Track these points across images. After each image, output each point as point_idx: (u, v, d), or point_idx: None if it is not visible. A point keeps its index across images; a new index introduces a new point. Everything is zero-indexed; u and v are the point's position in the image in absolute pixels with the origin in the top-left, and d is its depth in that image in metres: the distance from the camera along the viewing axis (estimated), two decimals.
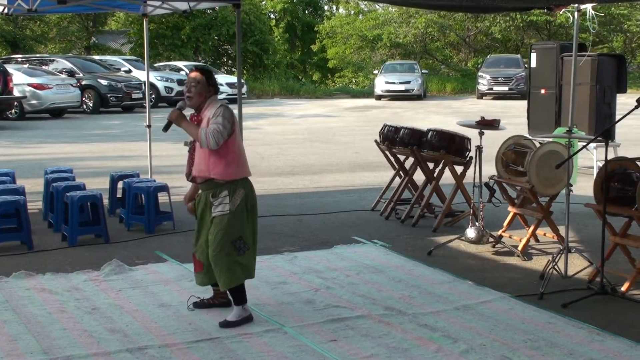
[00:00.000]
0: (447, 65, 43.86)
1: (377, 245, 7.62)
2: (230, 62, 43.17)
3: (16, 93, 21.99)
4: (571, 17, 7.21)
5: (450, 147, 8.35)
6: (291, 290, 6.02)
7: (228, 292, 5.33)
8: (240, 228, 5.18)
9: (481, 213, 7.37)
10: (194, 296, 5.67)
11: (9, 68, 22.30)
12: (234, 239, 5.15)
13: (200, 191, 5.37)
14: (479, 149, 7.24)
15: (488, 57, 35.93)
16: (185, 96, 5.27)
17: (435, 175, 8.73)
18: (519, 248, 7.23)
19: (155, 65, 31.64)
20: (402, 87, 31.78)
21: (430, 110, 26.56)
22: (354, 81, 44.90)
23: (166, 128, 5.42)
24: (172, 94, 28.84)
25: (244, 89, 31.34)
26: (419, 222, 8.49)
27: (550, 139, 7.56)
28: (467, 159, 8.42)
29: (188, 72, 30.44)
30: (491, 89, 31.69)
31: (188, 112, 5.30)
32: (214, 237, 5.16)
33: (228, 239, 5.14)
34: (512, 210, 7.67)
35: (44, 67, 26.07)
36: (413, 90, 31.83)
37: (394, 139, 8.95)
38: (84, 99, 25.13)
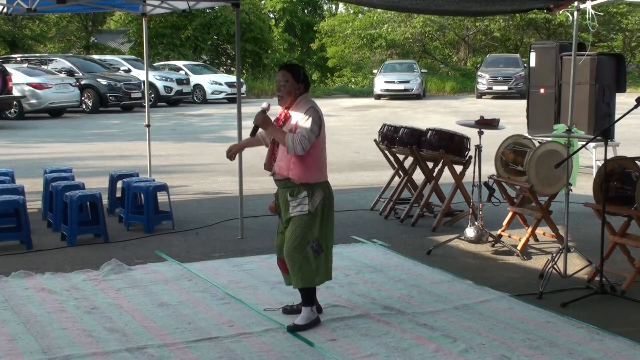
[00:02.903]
0: (446, 65, 43.86)
1: (376, 244, 7.62)
2: (229, 61, 43.19)
3: (15, 92, 21.97)
4: (570, 17, 7.21)
5: (449, 146, 8.35)
6: (290, 290, 5.95)
7: (299, 291, 5.26)
8: (317, 230, 5.12)
9: (480, 212, 7.37)
10: (288, 304, 5.58)
11: (8, 67, 22.30)
12: (310, 240, 5.10)
13: (277, 189, 5.30)
14: (478, 148, 7.24)
15: (487, 56, 35.94)
16: (277, 96, 5.22)
17: (434, 174, 8.74)
18: (519, 247, 7.23)
19: (154, 64, 31.63)
20: (401, 87, 31.79)
21: (429, 109, 26.56)
22: (353, 80, 44.89)
23: (253, 133, 5.30)
24: (171, 94, 28.86)
25: (244, 88, 31.38)
26: (418, 221, 8.49)
27: (549, 139, 7.56)
28: (467, 158, 8.42)
29: (187, 71, 30.66)
30: (490, 88, 31.70)
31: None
32: (291, 235, 5.10)
33: (305, 239, 5.08)
34: (511, 209, 7.67)
35: (43, 66, 26.07)
36: (412, 89, 31.84)
37: (393, 139, 8.95)
38: (83, 98, 25.13)
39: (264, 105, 5.24)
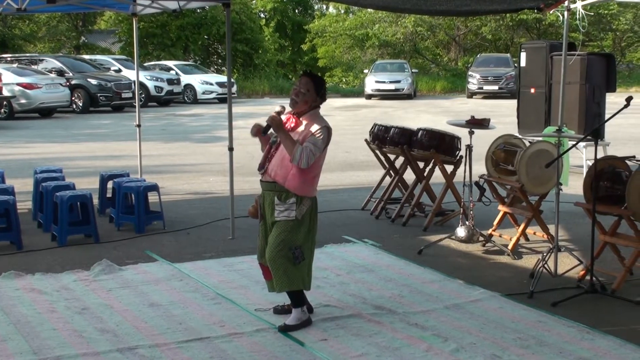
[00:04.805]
0: (437, 65, 43.92)
1: (367, 244, 7.62)
2: (220, 61, 43.11)
3: (5, 92, 21.91)
4: (561, 17, 7.23)
5: (440, 146, 8.36)
6: None
7: (286, 293, 5.21)
8: (301, 238, 5.08)
9: (471, 212, 7.38)
10: (279, 304, 5.54)
11: None
12: (293, 247, 5.04)
13: (262, 191, 5.24)
14: (469, 148, 7.25)
15: (478, 56, 36.00)
16: (291, 99, 5.16)
17: (425, 174, 8.74)
18: (509, 247, 7.24)
19: (145, 64, 31.55)
20: (392, 87, 31.81)
21: (420, 109, 26.58)
22: (344, 80, 44.89)
23: (265, 131, 5.22)
24: (162, 94, 28.80)
25: (234, 89, 31.33)
26: (409, 221, 8.50)
27: (539, 138, 7.58)
28: (457, 158, 8.43)
29: (178, 71, 30.58)
30: (481, 88, 31.77)
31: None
32: (275, 239, 5.05)
33: (288, 244, 5.03)
34: (502, 209, 7.68)
35: (33, 66, 25.98)
36: (403, 89, 31.85)
37: (384, 138, 8.95)
38: (73, 98, 25.04)
39: (279, 108, 5.20)
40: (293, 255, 5.05)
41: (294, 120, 5.16)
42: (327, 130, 5.10)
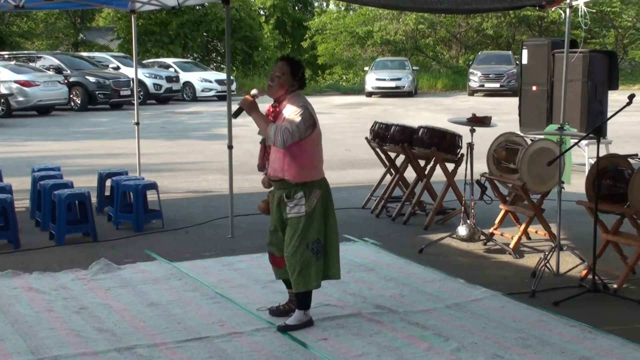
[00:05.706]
0: (438, 62, 43.89)
1: (367, 243, 7.59)
2: (219, 58, 43.10)
3: (3, 90, 21.86)
4: (563, 14, 7.18)
5: (441, 144, 8.33)
6: (282, 289, 5.92)
7: (295, 294, 5.17)
8: (316, 230, 5.02)
9: (472, 210, 7.35)
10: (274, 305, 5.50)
11: None
12: (310, 241, 4.99)
13: (272, 188, 5.20)
14: (470, 146, 7.22)
15: (479, 53, 35.97)
16: (267, 84, 5.09)
17: (426, 172, 8.71)
18: (511, 246, 7.21)
19: (143, 62, 31.51)
20: (392, 84, 31.76)
21: (421, 107, 26.56)
22: (344, 78, 44.87)
23: (236, 114, 5.18)
24: (161, 91, 28.76)
25: (234, 86, 31.26)
26: (410, 219, 8.47)
27: (541, 136, 7.54)
28: (458, 156, 8.40)
29: (177, 69, 30.52)
30: (482, 85, 31.73)
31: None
32: (290, 239, 5.01)
33: (304, 241, 4.98)
34: (503, 207, 7.64)
35: (31, 63, 25.95)
36: (404, 87, 31.81)
37: (384, 136, 8.92)
38: (71, 96, 24.99)
39: (254, 91, 5.14)
40: (312, 251, 5.00)
41: (273, 109, 5.10)
42: (304, 110, 4.96)
